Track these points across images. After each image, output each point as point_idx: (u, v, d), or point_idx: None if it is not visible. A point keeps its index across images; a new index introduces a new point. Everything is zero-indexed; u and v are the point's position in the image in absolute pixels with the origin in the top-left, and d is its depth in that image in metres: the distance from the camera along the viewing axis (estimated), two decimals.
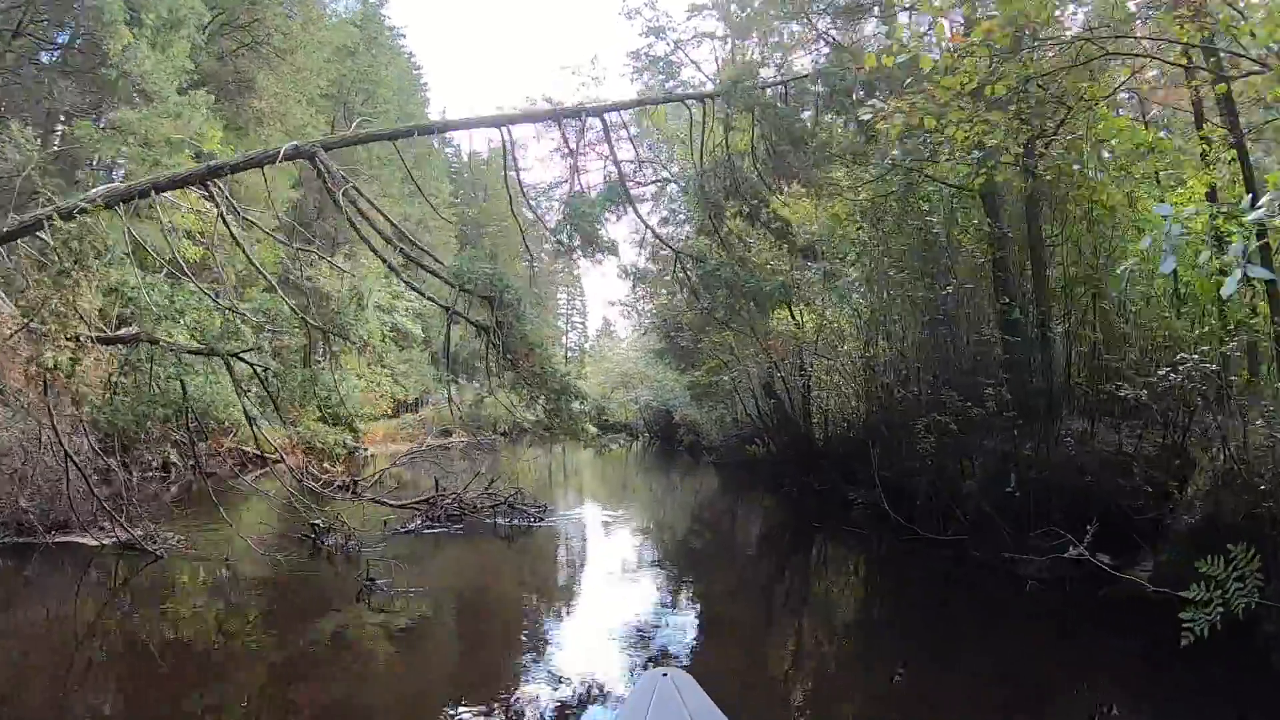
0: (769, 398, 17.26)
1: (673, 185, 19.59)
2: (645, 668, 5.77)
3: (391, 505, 12.04)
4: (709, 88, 9.98)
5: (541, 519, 12.36)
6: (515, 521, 12.19)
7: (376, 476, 12.36)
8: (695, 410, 26.79)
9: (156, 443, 16.31)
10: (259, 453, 23.54)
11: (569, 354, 68.96)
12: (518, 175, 7.74)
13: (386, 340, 32.42)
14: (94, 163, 20.05)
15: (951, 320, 9.31)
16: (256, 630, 7.17)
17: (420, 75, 51.92)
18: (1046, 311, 8.50)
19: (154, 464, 17.28)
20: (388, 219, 8.38)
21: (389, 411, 31.82)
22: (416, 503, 12.43)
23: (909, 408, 10.88)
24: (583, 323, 73.48)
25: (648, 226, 8.16)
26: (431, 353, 37.77)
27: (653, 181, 17.43)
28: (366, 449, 29.32)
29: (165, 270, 10.65)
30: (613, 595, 8.92)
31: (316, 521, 10.21)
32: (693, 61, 24.37)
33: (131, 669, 6.22)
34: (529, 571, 10.17)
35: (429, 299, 7.77)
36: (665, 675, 3.55)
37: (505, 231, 54.23)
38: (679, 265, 7.88)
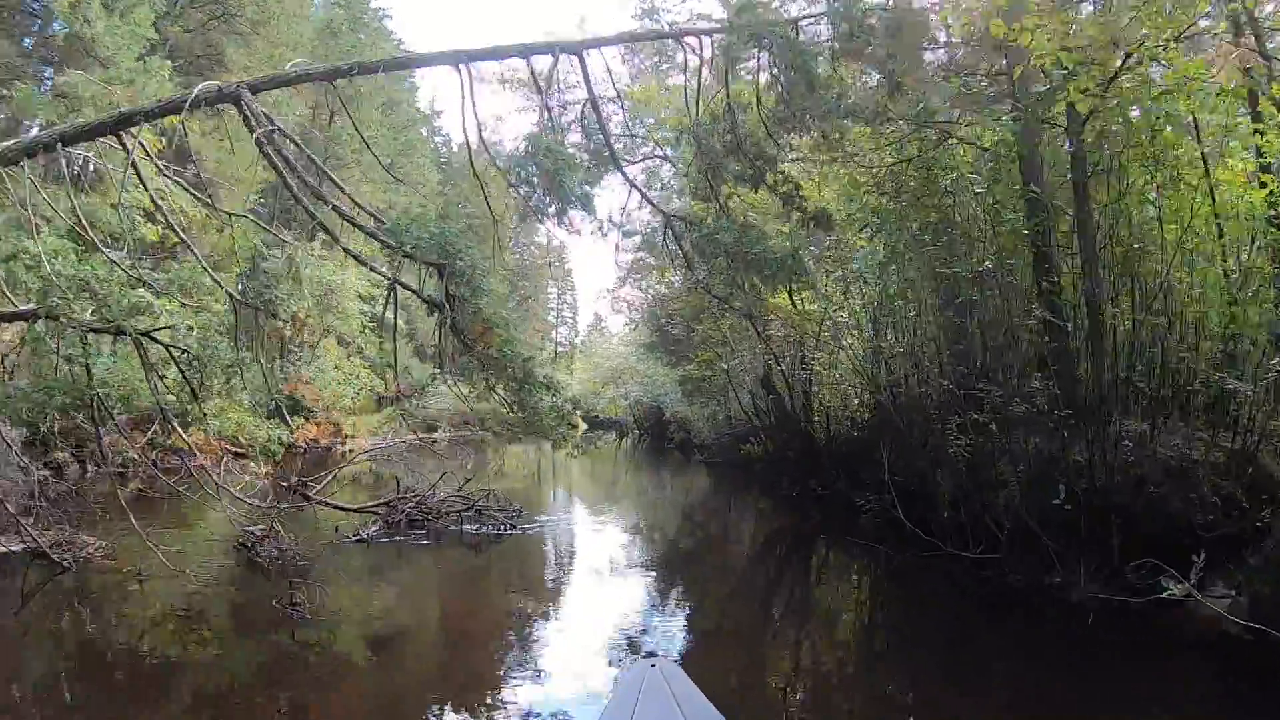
0: (767, 393, 16.00)
1: (667, 167, 18.34)
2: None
3: (344, 509, 10.73)
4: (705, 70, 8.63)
5: (514, 525, 11.05)
6: (483, 528, 10.89)
7: (330, 475, 11.02)
8: (686, 406, 25.65)
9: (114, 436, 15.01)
10: (232, 449, 22.37)
11: (559, 349, 67.69)
12: (478, 124, 6.43)
13: (366, 331, 31.28)
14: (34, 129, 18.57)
15: (981, 303, 8.04)
16: (142, 666, 5.84)
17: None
18: (1097, 293, 7.25)
19: (107, 459, 15.93)
20: (321, 168, 7.07)
21: (368, 405, 30.55)
22: (374, 506, 11.12)
23: (927, 403, 9.65)
24: (573, 317, 72.25)
25: (633, 186, 6.87)
26: (416, 345, 36.49)
27: (644, 159, 16.09)
28: (343, 443, 28.08)
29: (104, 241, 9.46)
30: (583, 617, 7.61)
31: (250, 529, 8.94)
32: (688, 46, 23.34)
33: None
34: (490, 589, 8.82)
35: (374, 269, 6.46)
36: (654, 666, 3.54)
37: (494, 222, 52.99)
38: (669, 231, 6.61)
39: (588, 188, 5.92)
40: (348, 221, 6.43)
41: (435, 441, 30.47)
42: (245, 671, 5.74)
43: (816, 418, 14.55)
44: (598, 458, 33.25)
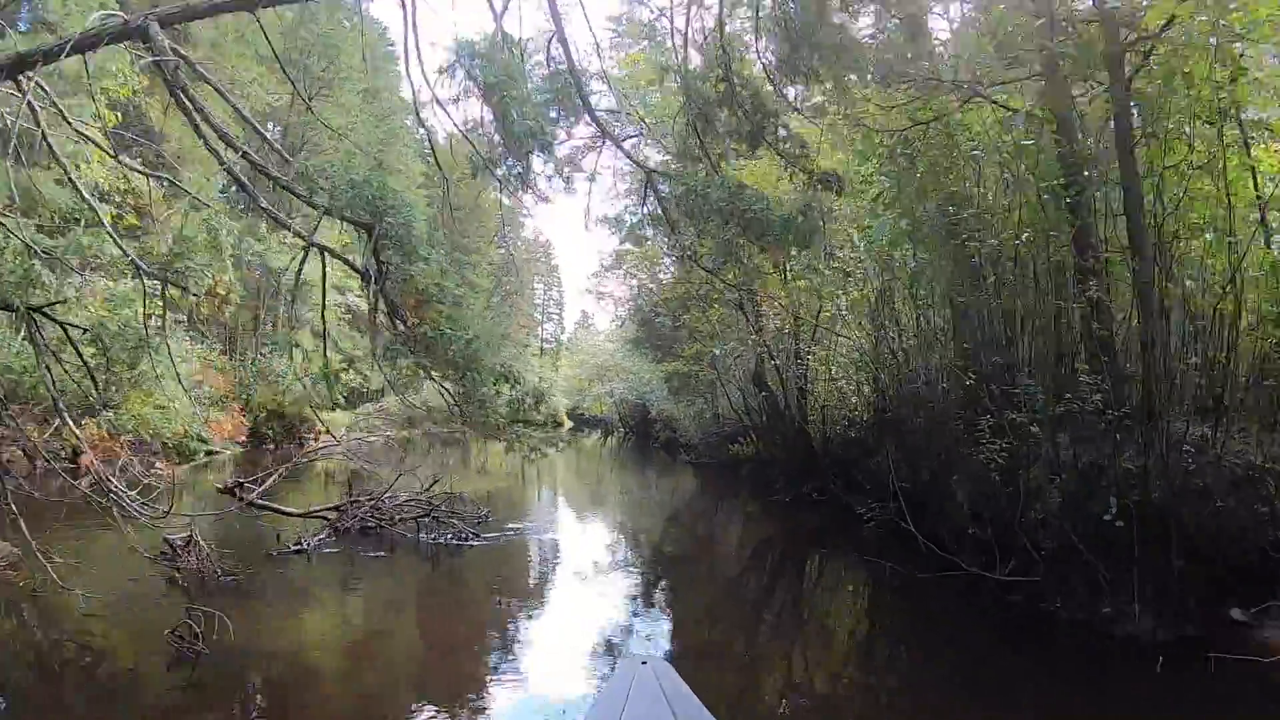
0: (758, 390, 14.93)
1: (653, 150, 17.22)
2: None
3: (286, 514, 9.56)
4: (696, 59, 7.56)
5: (476, 534, 9.89)
6: (444, 537, 9.70)
7: (272, 476, 9.81)
8: (672, 404, 24.64)
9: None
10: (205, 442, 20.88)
11: (545, 345, 66.50)
12: (419, 58, 5.32)
13: (341, 321, 30.00)
14: None
15: (1011, 286, 6.97)
16: None
17: (395, 50, 49.03)
18: (1148, 273, 6.21)
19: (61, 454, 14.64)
20: (243, 115, 5.95)
21: (340, 401, 29.25)
22: (322, 511, 9.97)
23: (938, 401, 8.61)
24: (559, 313, 71.05)
25: (606, 135, 5.77)
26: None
27: (627, 139, 14.97)
28: (314, 440, 26.79)
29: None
30: (545, 649, 6.42)
31: (171, 538, 7.79)
32: (678, 30, 22.42)
33: None
34: (437, 618, 7.58)
35: (290, 229, 5.32)
36: (644, 663, 3.48)
37: (480, 216, 51.71)
38: (650, 189, 5.53)
39: (550, 129, 4.80)
40: (260, 171, 5.31)
41: (409, 439, 29.28)
42: None
43: (812, 416, 13.49)
44: (585, 455, 32.17)
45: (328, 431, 22.86)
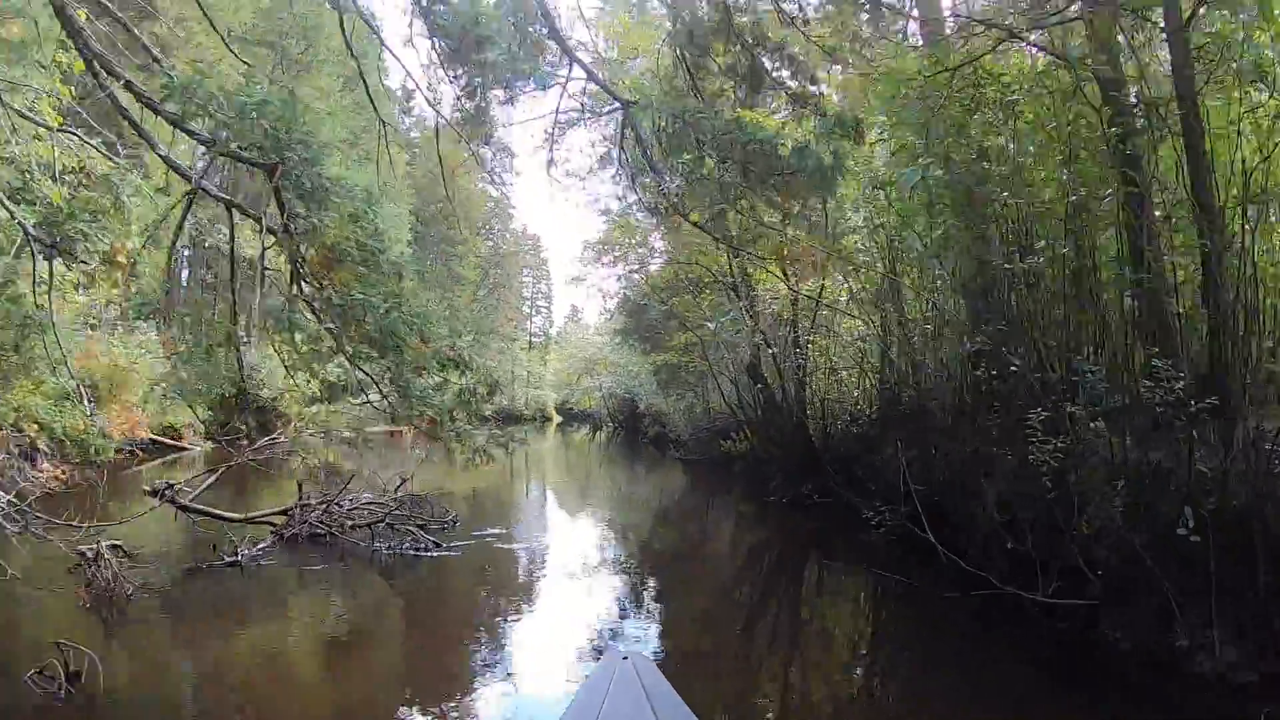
0: (753, 382, 13.92)
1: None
2: None
3: (223, 519, 8.46)
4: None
5: (439, 543, 8.82)
6: (395, 548, 8.61)
7: (211, 477, 8.75)
8: (661, 398, 23.73)
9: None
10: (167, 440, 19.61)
11: (532, 339, 65.33)
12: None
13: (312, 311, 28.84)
14: None
15: (1056, 257, 5.96)
16: None
17: (379, 34, 47.62)
18: (1219, 241, 5.24)
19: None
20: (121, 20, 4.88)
21: (318, 394, 28.02)
22: (268, 515, 8.92)
23: (965, 390, 7.64)
24: (548, 307, 69.74)
25: (575, 61, 4.73)
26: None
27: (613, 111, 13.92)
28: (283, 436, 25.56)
29: None
30: (505, 693, 5.32)
31: (83, 549, 6.73)
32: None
33: None
34: (385, 644, 6.46)
35: (176, 169, 4.26)
36: (625, 658, 3.49)
37: (466, 208, 50.45)
38: (628, 126, 4.52)
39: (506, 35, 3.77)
40: (147, 106, 4.25)
41: (365, 436, 28.05)
42: None
43: (811, 410, 12.49)
44: (574, 450, 31.24)
45: (308, 424, 21.68)
